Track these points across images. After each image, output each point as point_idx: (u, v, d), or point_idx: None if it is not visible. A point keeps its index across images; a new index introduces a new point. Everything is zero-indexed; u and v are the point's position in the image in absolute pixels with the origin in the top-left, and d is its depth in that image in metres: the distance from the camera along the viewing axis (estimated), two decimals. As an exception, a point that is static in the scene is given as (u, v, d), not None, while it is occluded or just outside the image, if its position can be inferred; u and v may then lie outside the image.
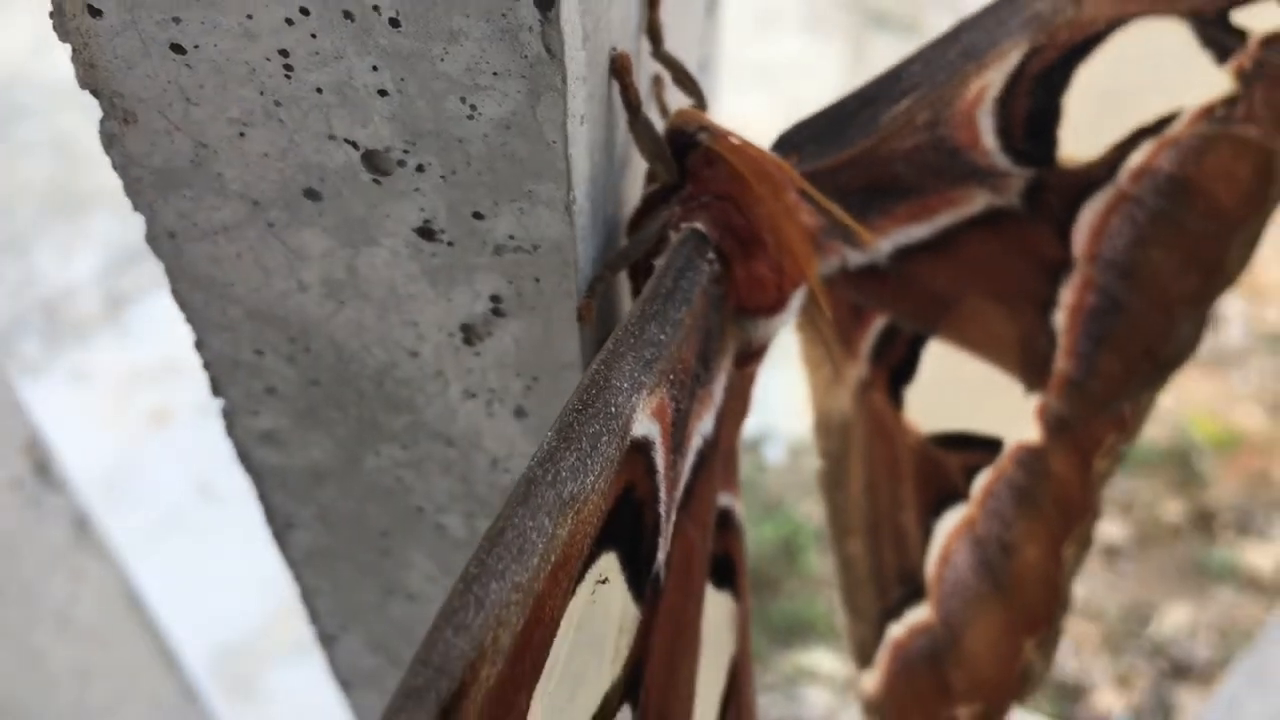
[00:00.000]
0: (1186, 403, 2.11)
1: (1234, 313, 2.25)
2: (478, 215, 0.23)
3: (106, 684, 0.79)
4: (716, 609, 0.28)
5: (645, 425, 0.23)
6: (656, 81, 0.29)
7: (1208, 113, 0.32)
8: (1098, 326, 0.34)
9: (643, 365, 0.23)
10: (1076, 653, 1.77)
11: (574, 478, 0.20)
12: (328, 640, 0.38)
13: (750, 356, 0.28)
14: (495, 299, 0.25)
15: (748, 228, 0.26)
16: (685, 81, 0.27)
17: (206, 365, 0.28)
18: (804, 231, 0.26)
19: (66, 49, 0.23)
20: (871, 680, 0.40)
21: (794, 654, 1.77)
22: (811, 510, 1.94)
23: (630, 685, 0.23)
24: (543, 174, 0.22)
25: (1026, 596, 0.38)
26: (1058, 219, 0.32)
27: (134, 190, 0.24)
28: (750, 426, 0.36)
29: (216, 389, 0.29)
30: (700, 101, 0.27)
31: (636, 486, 0.22)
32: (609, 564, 0.22)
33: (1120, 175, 0.32)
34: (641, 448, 0.22)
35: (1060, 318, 0.34)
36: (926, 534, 0.38)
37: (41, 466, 0.69)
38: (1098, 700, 1.66)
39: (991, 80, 0.29)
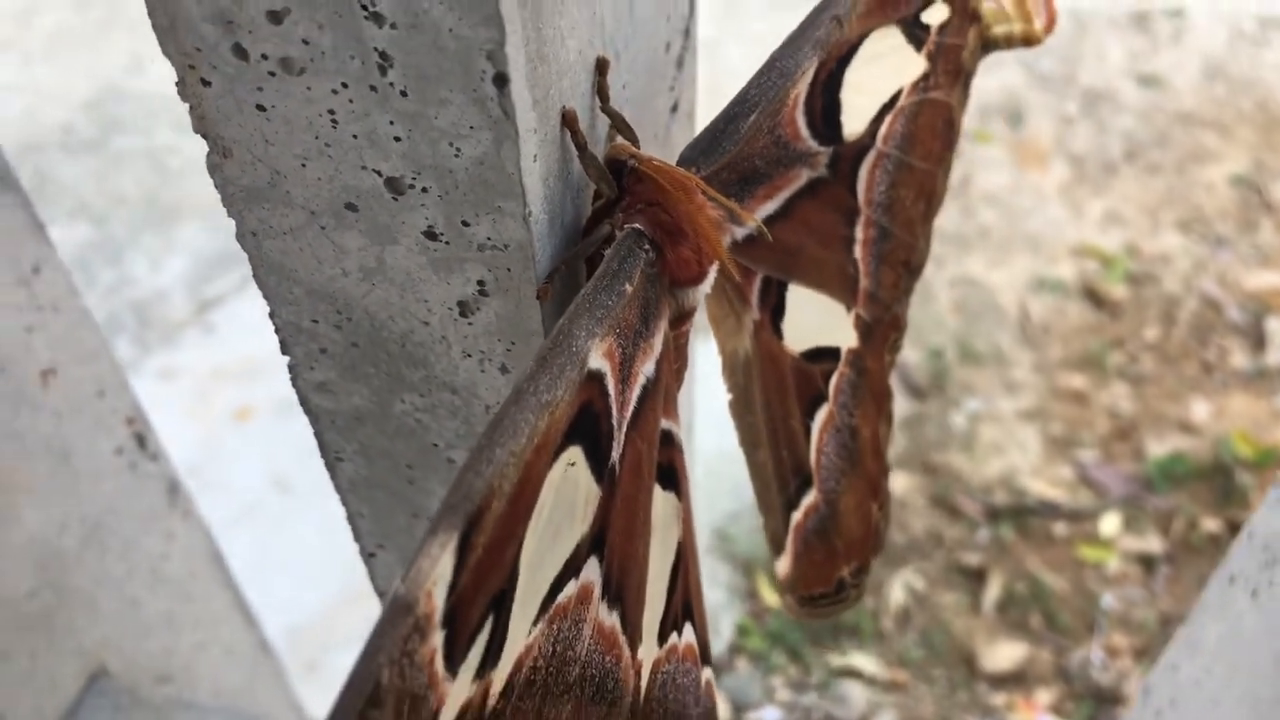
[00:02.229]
0: (1228, 421, 2.15)
1: (1277, 335, 2.28)
2: (465, 223, 0.33)
3: (192, 634, 0.90)
4: (665, 504, 0.38)
5: (598, 361, 0.33)
6: (611, 127, 0.39)
7: (915, 86, 0.45)
8: (878, 250, 0.47)
9: (595, 321, 0.33)
10: (1111, 662, 1.82)
11: (548, 390, 0.30)
12: (368, 557, 0.48)
13: (682, 318, 0.38)
14: (480, 283, 0.35)
15: (673, 223, 0.36)
16: (623, 128, 0.37)
17: (277, 330, 0.39)
18: (712, 221, 0.36)
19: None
20: (784, 563, 0.50)
21: (834, 655, 1.85)
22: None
23: (597, 543, 0.33)
24: (507, 195, 0.32)
25: (868, 467, 0.51)
26: (849, 179, 0.45)
27: (229, 202, 0.35)
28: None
29: (284, 349, 0.39)
30: (635, 141, 0.37)
31: (594, 404, 0.32)
32: (575, 454, 0.32)
33: (877, 140, 0.45)
34: (596, 377, 0.32)
35: (858, 250, 0.46)
36: (807, 432, 0.49)
37: (141, 437, 0.80)
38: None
39: (800, 89, 0.41)
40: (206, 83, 0.31)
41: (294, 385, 0.40)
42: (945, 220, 2.55)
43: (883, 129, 0.45)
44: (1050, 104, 2.85)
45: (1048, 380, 2.26)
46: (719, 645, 1.81)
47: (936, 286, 2.41)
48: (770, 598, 1.89)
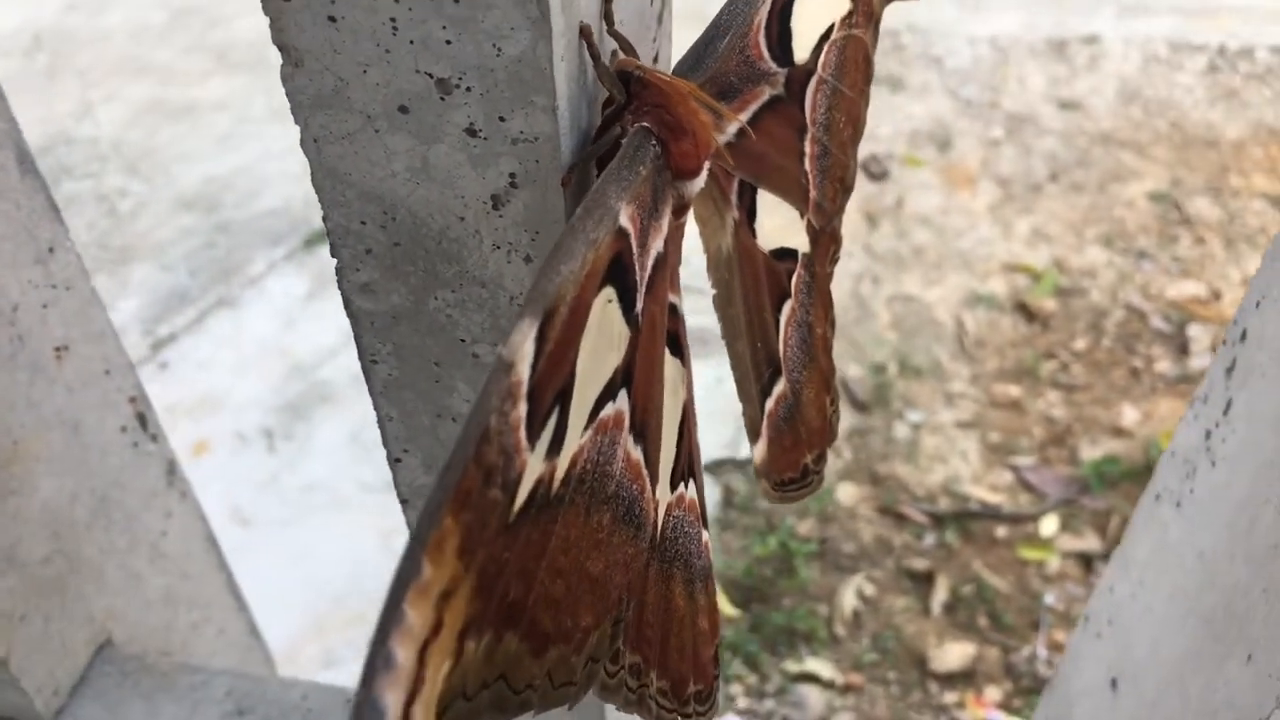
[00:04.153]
0: (1156, 423, 2.24)
1: (1199, 342, 2.38)
2: (501, 119, 0.39)
3: (188, 613, 0.94)
4: (673, 367, 0.44)
5: (625, 222, 0.38)
6: (614, 51, 0.46)
7: (843, 22, 0.52)
8: (822, 165, 0.53)
9: (621, 189, 0.38)
10: (1056, 658, 1.89)
11: (593, 230, 0.36)
12: (395, 463, 0.53)
13: (682, 209, 0.44)
14: (512, 175, 0.41)
15: (675, 122, 0.42)
16: (626, 48, 0.43)
17: (329, 233, 0.44)
18: (706, 121, 0.42)
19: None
20: (759, 450, 0.56)
21: (790, 661, 1.90)
22: (805, 528, 2.07)
23: (626, 379, 0.39)
24: (540, 90, 0.38)
25: (821, 363, 0.57)
26: (799, 99, 0.51)
27: (297, 109, 0.40)
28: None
29: (334, 251, 0.45)
30: (635, 57, 0.43)
31: (623, 256, 0.38)
32: (611, 293, 0.37)
33: (818, 67, 0.51)
34: (623, 234, 0.38)
35: (807, 163, 0.52)
36: (777, 325, 0.54)
37: (142, 417, 0.84)
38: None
39: (762, 15, 0.48)
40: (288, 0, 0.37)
41: (340, 288, 0.46)
42: (881, 241, 2.64)
43: (822, 57, 0.51)
44: (976, 129, 2.97)
45: (984, 391, 2.34)
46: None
47: (875, 305, 2.49)
48: (728, 609, 1.94)
